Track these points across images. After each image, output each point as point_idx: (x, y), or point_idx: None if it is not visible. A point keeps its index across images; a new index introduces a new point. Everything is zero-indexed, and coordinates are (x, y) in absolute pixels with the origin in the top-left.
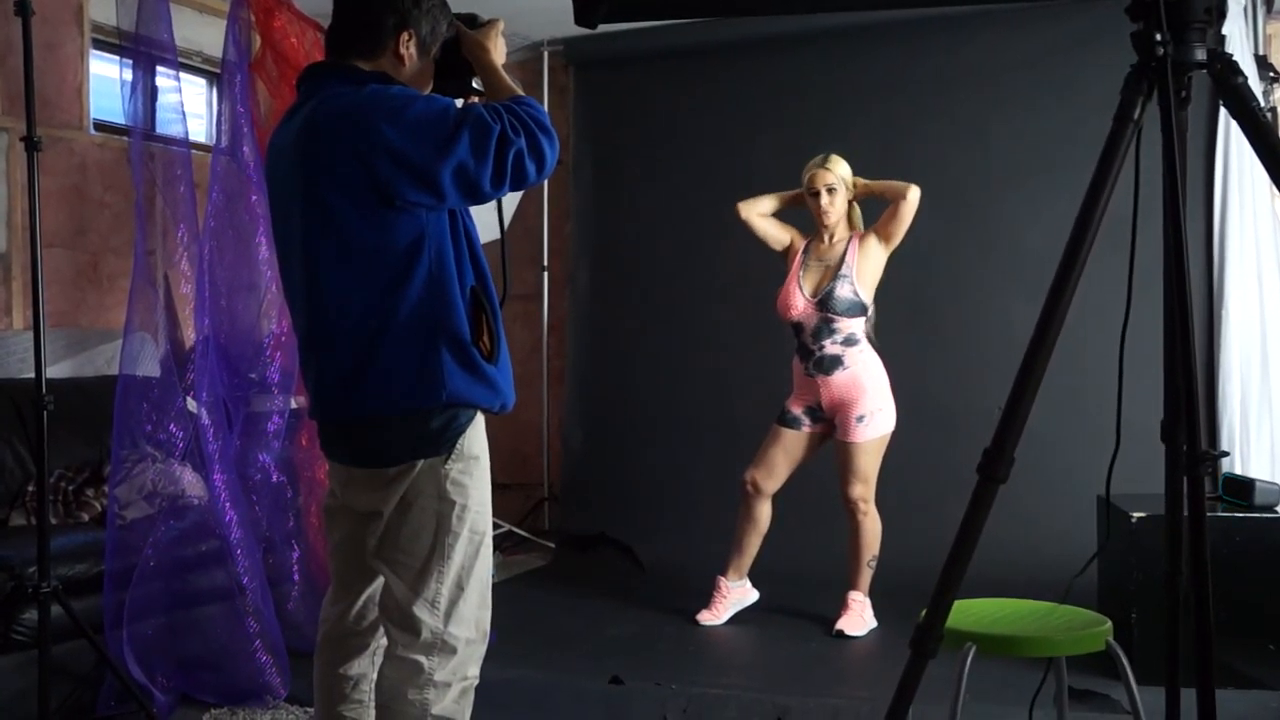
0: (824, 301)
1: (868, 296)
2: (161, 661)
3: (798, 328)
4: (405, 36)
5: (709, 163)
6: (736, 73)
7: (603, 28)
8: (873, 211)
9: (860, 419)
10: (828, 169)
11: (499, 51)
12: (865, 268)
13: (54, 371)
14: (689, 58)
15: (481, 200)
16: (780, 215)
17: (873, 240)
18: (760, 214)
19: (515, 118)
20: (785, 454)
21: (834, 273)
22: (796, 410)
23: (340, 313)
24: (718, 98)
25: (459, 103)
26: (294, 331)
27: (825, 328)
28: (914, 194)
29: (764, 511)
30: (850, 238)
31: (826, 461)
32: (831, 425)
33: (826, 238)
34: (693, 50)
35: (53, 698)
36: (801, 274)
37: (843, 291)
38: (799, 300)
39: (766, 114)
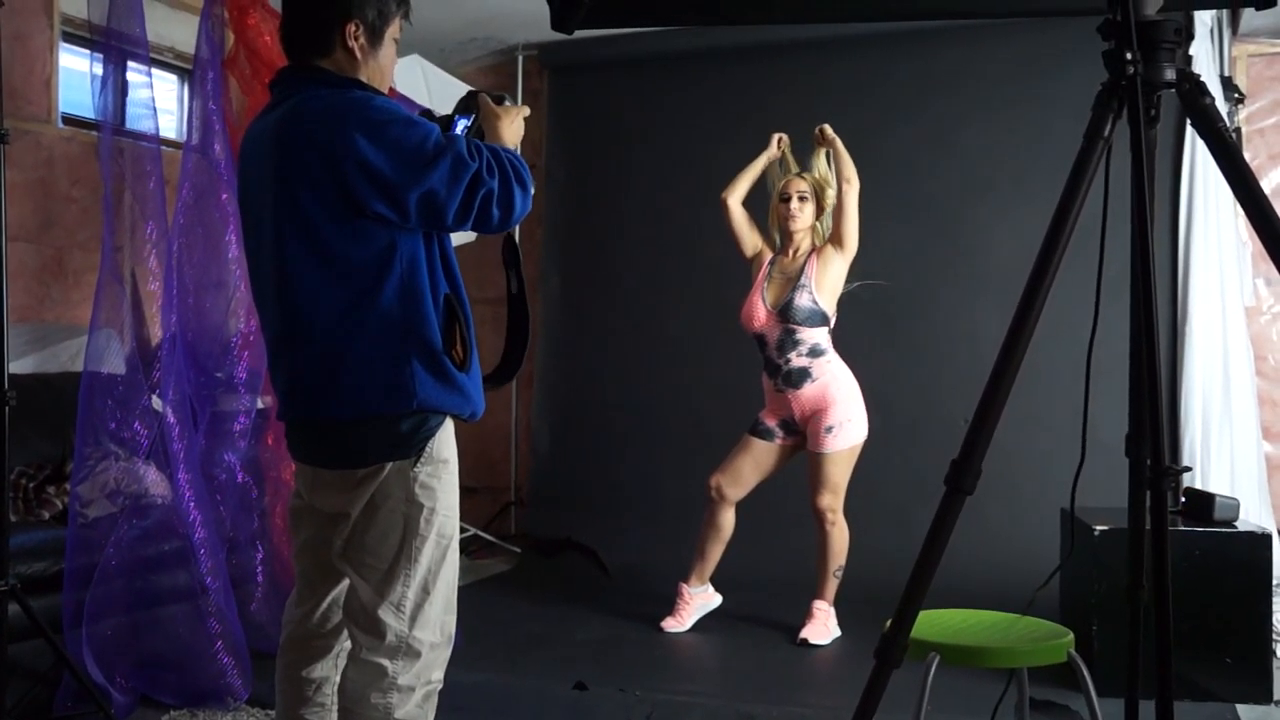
0: (784, 311)
1: (828, 306)
2: (121, 662)
3: (761, 341)
4: (351, 28)
5: (682, 169)
6: (711, 80)
7: (579, 33)
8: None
9: (829, 429)
10: (802, 178)
11: (513, 132)
12: (824, 279)
13: (16, 367)
14: (665, 65)
15: (442, 230)
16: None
17: (830, 250)
18: (739, 198)
19: (496, 161)
20: (754, 464)
21: (794, 283)
22: (770, 423)
23: (311, 316)
24: (692, 105)
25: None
26: (263, 332)
27: (789, 339)
28: (853, 187)
29: (727, 519)
30: (811, 251)
31: (794, 470)
32: (804, 438)
33: (791, 251)
34: (668, 57)
35: (9, 697)
36: (765, 285)
37: (802, 301)
38: (761, 311)
39: (740, 122)
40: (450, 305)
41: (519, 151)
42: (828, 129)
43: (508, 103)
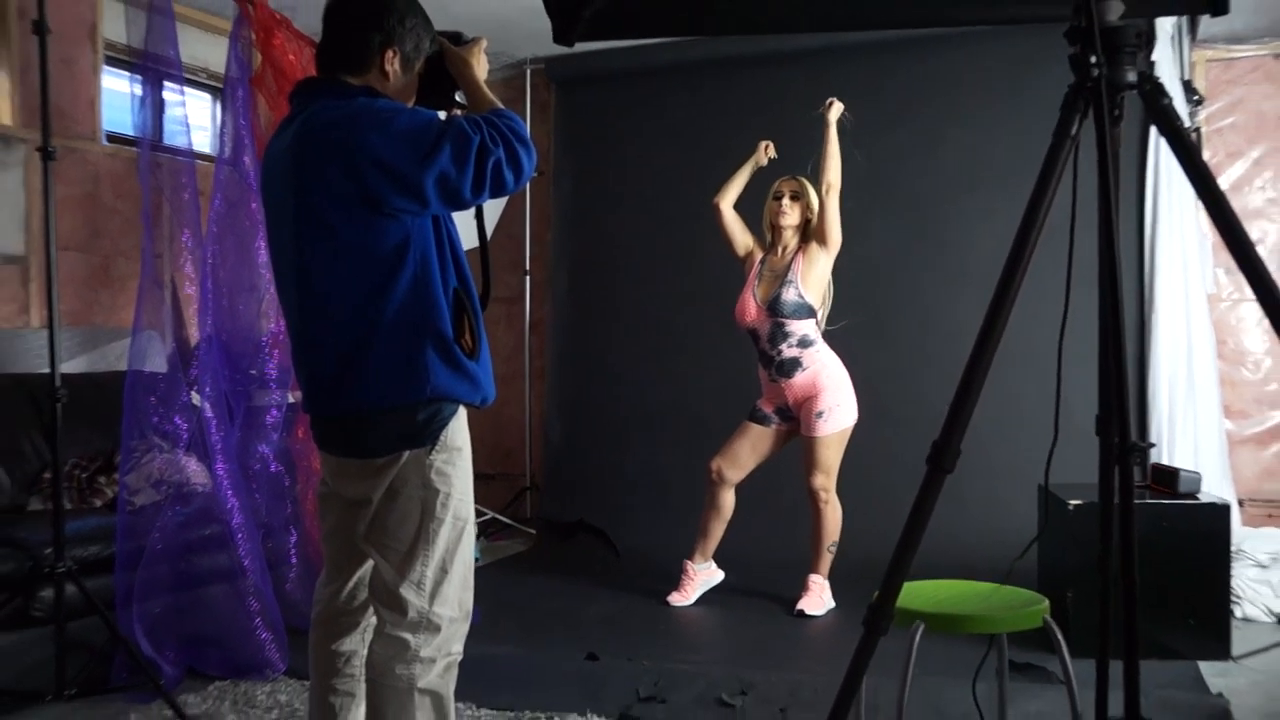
0: (773, 306)
1: (814, 299)
2: (169, 637)
3: (755, 335)
4: (390, 54)
5: (682, 174)
6: (708, 90)
7: (581, 46)
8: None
9: (819, 415)
10: (797, 180)
11: (481, 68)
12: (809, 274)
13: (68, 367)
14: (664, 75)
15: (462, 207)
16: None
17: (813, 247)
18: (730, 202)
19: (494, 129)
20: (751, 447)
21: (781, 280)
22: (767, 409)
23: (330, 313)
24: (690, 113)
25: (442, 115)
26: (287, 330)
27: (779, 332)
28: (834, 190)
29: (727, 499)
30: (798, 250)
31: (789, 454)
32: (798, 423)
33: (780, 249)
34: (667, 68)
35: (69, 670)
36: (756, 283)
37: (788, 296)
38: (751, 307)
39: (735, 129)
40: (459, 298)
41: (485, 78)
42: (832, 113)
43: (466, 38)
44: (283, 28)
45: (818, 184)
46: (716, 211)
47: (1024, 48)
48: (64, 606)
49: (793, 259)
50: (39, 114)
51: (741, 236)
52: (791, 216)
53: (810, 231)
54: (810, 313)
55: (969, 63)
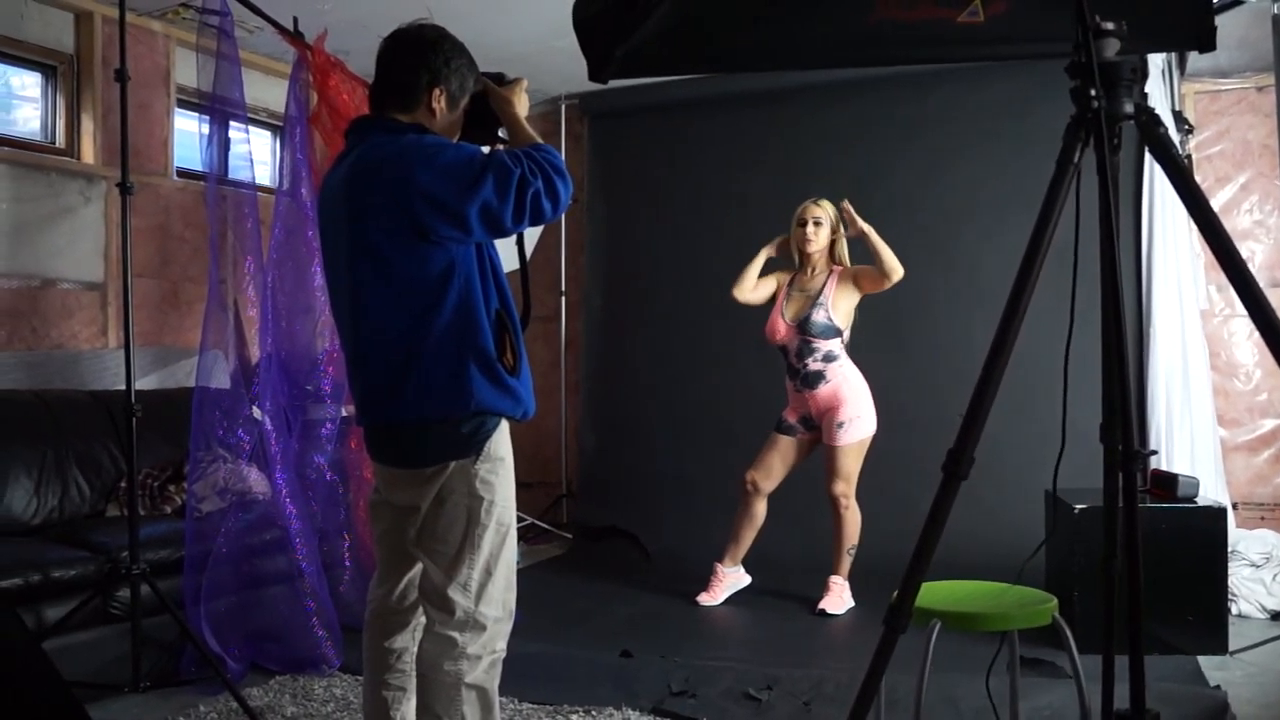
0: (802, 325)
1: (841, 322)
2: (233, 634)
3: (784, 350)
4: (437, 92)
5: (707, 200)
6: (730, 122)
7: (613, 83)
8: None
9: (841, 425)
10: (818, 206)
11: (522, 105)
12: (839, 301)
13: (142, 384)
14: (689, 109)
15: (504, 234)
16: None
17: (851, 284)
18: (750, 289)
19: (534, 162)
20: (781, 457)
21: (812, 301)
22: (792, 420)
23: (381, 332)
24: (714, 143)
25: (485, 149)
26: (342, 349)
27: (806, 348)
28: (897, 275)
29: (760, 508)
30: (831, 272)
31: (812, 462)
32: (821, 432)
33: (809, 270)
34: (692, 102)
35: (143, 663)
36: (785, 303)
37: (818, 317)
38: (781, 326)
39: (756, 158)
40: (501, 318)
41: (525, 115)
42: (857, 226)
43: (508, 79)
44: (338, 70)
45: (883, 274)
46: (738, 302)
47: (1017, 83)
48: (139, 605)
49: (825, 281)
50: (118, 153)
51: (768, 288)
52: (817, 242)
53: (837, 254)
54: (836, 333)
55: (968, 98)
